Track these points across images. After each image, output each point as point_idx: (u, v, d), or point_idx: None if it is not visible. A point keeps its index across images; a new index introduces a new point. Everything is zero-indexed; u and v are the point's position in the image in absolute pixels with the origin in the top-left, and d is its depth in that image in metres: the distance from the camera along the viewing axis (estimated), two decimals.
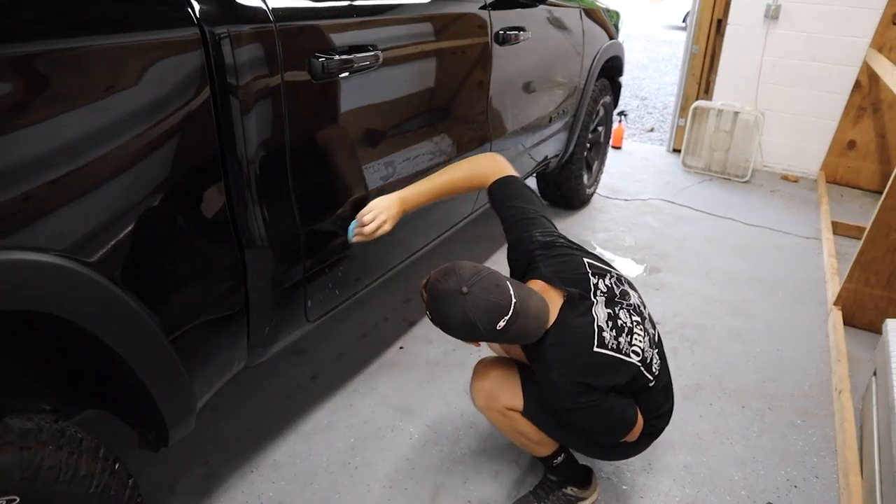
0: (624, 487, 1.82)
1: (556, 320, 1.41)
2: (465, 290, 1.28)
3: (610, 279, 1.52)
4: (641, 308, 1.56)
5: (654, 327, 1.58)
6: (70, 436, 1.03)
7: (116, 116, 1.00)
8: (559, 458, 1.64)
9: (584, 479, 1.73)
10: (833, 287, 2.91)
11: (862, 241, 2.58)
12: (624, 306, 1.48)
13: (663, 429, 1.60)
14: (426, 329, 2.51)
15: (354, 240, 1.61)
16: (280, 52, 1.27)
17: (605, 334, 1.40)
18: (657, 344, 1.56)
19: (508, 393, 1.53)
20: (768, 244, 3.45)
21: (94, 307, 1.01)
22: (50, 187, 0.92)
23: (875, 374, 2.04)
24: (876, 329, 2.54)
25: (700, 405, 2.16)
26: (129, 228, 1.06)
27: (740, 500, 1.79)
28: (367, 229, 1.59)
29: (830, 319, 2.70)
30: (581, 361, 1.38)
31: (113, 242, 1.03)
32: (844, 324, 2.64)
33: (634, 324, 1.47)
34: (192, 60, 1.11)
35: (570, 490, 1.70)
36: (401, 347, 2.41)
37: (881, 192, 2.47)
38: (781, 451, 1.98)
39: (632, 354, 1.43)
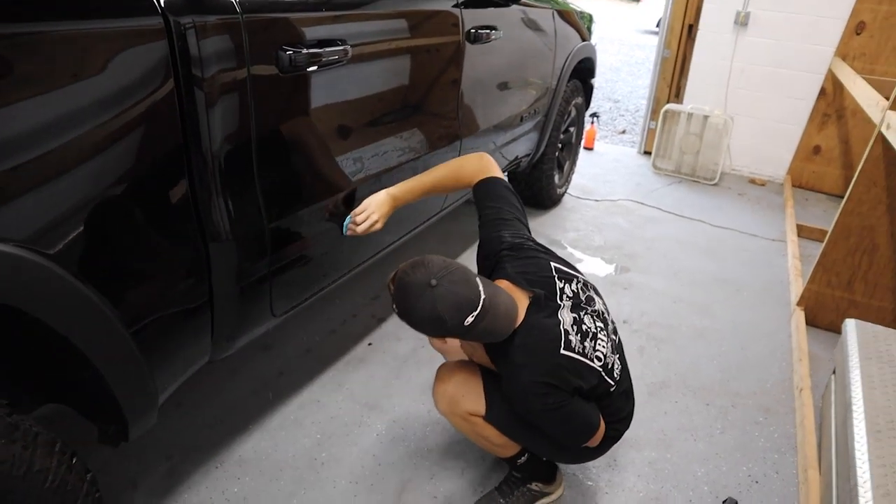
0: (589, 483, 1.84)
1: (522, 320, 1.41)
2: (433, 282, 1.28)
3: (576, 284, 1.53)
4: (605, 314, 1.57)
5: (616, 333, 1.60)
6: (24, 430, 1.01)
7: (76, 105, 0.98)
8: (522, 458, 1.65)
9: (549, 474, 1.74)
10: (796, 288, 2.97)
11: (824, 244, 2.64)
12: (589, 312, 1.50)
13: (624, 432, 1.62)
14: (395, 325, 2.50)
15: (348, 233, 1.71)
16: (247, 44, 1.26)
17: (570, 337, 1.41)
18: (619, 349, 1.58)
19: (470, 398, 1.54)
20: (735, 246, 3.51)
21: (52, 299, 1.00)
22: (6, 176, 0.90)
23: (834, 372, 2.09)
24: (836, 329, 2.60)
25: (665, 402, 2.19)
26: (90, 219, 1.04)
27: (703, 495, 1.83)
28: (360, 228, 1.68)
29: (793, 319, 2.75)
30: (549, 363, 1.38)
31: (72, 233, 1.02)
32: (807, 324, 2.70)
33: (598, 329, 1.49)
34: (155, 50, 1.09)
35: (534, 486, 1.71)
36: (369, 344, 2.40)
37: (843, 197, 2.53)
38: (743, 447, 2.02)
39: (595, 360, 1.44)
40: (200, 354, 1.41)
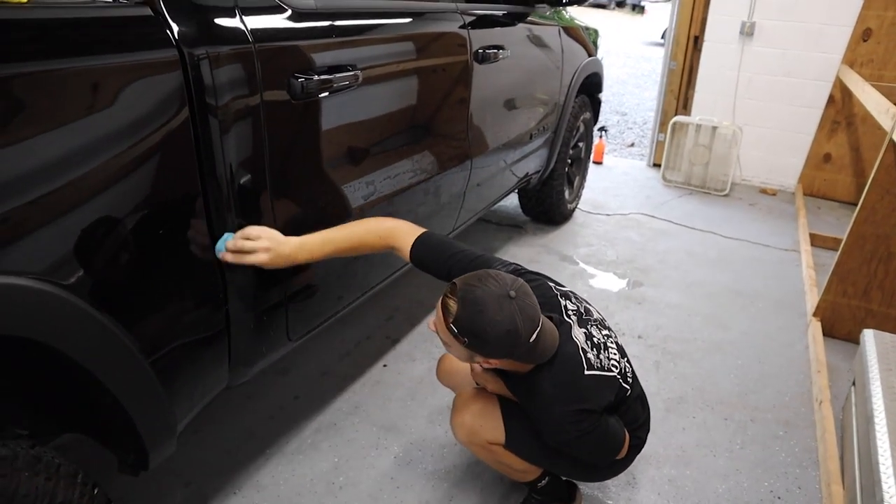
0: (609, 503, 1.82)
1: None
2: (512, 294, 1.22)
3: (575, 300, 1.54)
4: (604, 321, 1.58)
5: (617, 337, 1.60)
6: (47, 461, 1.01)
7: (95, 137, 1.00)
8: (543, 482, 1.64)
9: (569, 496, 1.73)
10: (812, 298, 2.95)
11: (839, 253, 2.62)
12: (592, 322, 1.50)
13: (645, 438, 1.61)
14: (410, 346, 2.50)
15: (220, 255, 1.28)
16: (259, 72, 1.27)
17: (589, 356, 1.40)
18: (624, 353, 1.58)
19: (489, 427, 1.53)
20: (748, 257, 3.49)
21: (70, 330, 1.00)
22: (25, 209, 0.91)
23: (854, 383, 2.07)
24: (854, 339, 2.57)
25: (683, 418, 2.17)
26: (108, 251, 1.05)
27: None
28: (245, 245, 1.29)
29: (810, 330, 2.73)
30: (578, 388, 1.37)
31: (90, 265, 1.03)
32: (824, 334, 2.67)
33: (605, 338, 1.49)
34: (170, 81, 1.11)
35: None
36: (384, 365, 2.40)
37: (856, 204, 2.51)
38: (764, 462, 1.99)
39: (612, 369, 1.44)
40: (218, 381, 1.41)
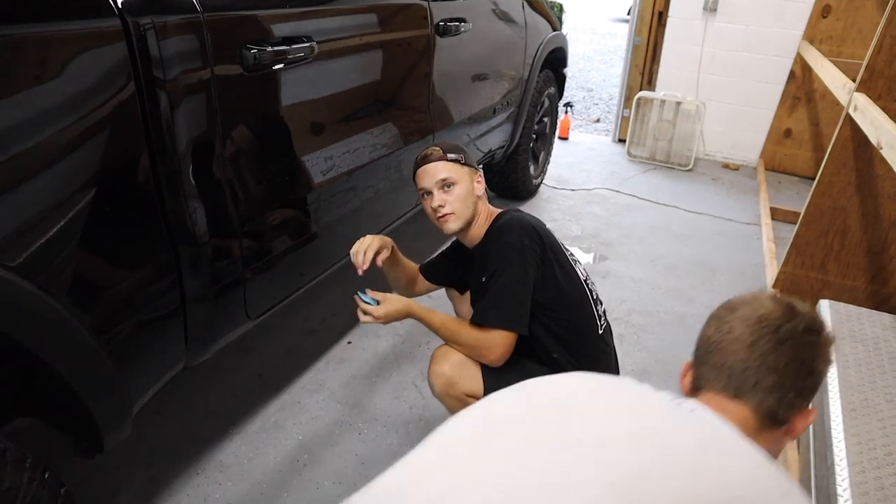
0: None
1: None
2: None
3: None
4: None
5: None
6: None
7: (31, 112, 0.95)
8: None
9: None
10: (772, 271, 3.01)
11: (797, 226, 2.67)
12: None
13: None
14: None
15: (363, 318, 1.52)
16: (209, 43, 1.23)
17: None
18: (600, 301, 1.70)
19: (468, 377, 1.53)
20: (711, 231, 3.54)
21: (15, 312, 0.97)
22: None
23: None
24: None
25: None
26: (52, 229, 1.01)
27: None
28: (376, 313, 1.50)
29: None
30: (536, 224, 1.55)
31: (33, 243, 0.99)
32: None
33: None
34: (113, 53, 1.07)
35: None
36: (349, 342, 2.39)
37: (815, 179, 2.56)
38: None
39: (577, 267, 1.64)
40: (175, 360, 1.38)
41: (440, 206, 1.56)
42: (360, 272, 1.56)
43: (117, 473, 1.75)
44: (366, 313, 1.50)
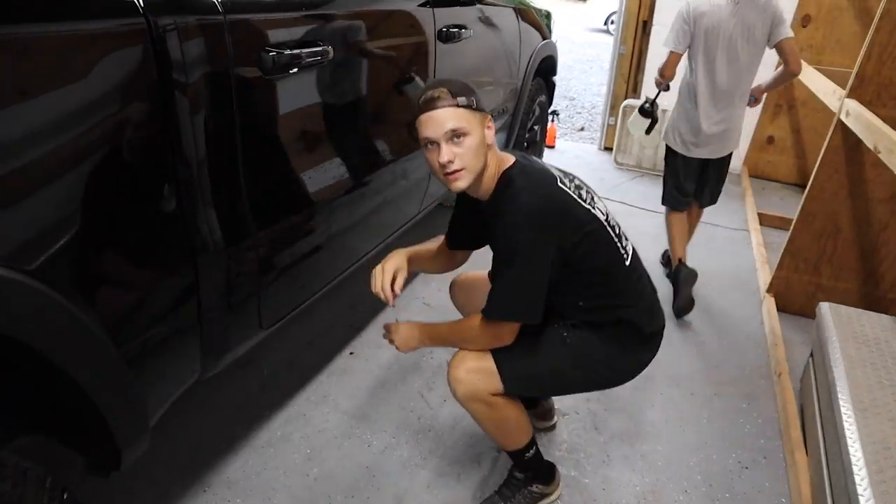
0: (586, 481, 1.83)
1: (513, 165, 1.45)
2: None
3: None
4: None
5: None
6: (13, 466, 0.94)
7: (53, 113, 0.91)
8: (531, 452, 1.62)
9: (549, 475, 1.73)
10: (764, 275, 3.04)
11: (791, 230, 2.71)
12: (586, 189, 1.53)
13: (647, 361, 1.59)
14: (375, 333, 2.45)
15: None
16: (230, 45, 1.20)
17: (564, 181, 1.43)
18: (624, 233, 1.56)
19: (485, 375, 1.46)
20: (700, 236, 3.56)
21: (38, 321, 0.92)
22: None
23: (812, 355, 2.14)
24: (807, 313, 2.67)
25: (652, 395, 2.20)
26: (73, 235, 0.97)
27: (697, 484, 1.84)
28: (395, 344, 1.59)
29: (764, 306, 2.81)
30: (543, 203, 1.36)
31: (57, 252, 0.95)
32: (777, 310, 2.76)
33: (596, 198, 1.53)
34: (136, 53, 1.03)
35: (535, 487, 1.69)
36: (351, 353, 2.35)
37: (799, 185, 2.61)
38: (731, 434, 2.04)
39: (596, 210, 1.45)
40: (192, 371, 1.34)
41: (449, 161, 1.33)
42: (391, 305, 1.57)
43: (123, 492, 1.69)
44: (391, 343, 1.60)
